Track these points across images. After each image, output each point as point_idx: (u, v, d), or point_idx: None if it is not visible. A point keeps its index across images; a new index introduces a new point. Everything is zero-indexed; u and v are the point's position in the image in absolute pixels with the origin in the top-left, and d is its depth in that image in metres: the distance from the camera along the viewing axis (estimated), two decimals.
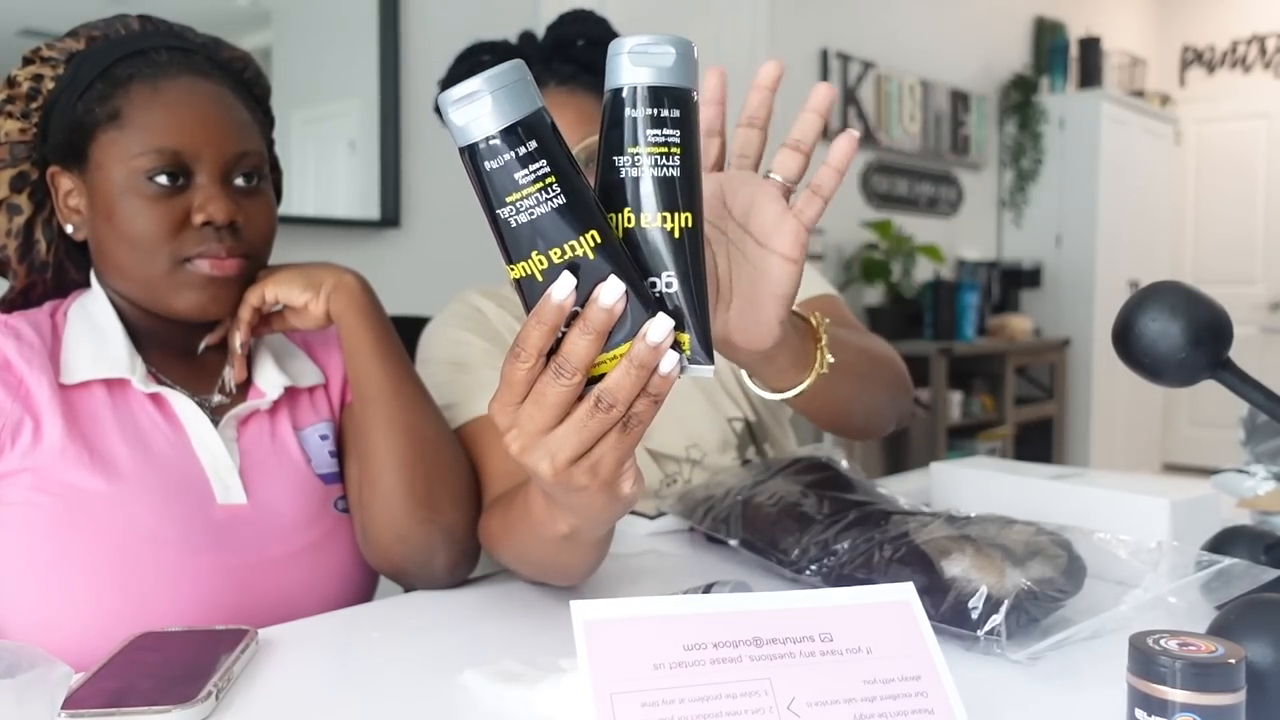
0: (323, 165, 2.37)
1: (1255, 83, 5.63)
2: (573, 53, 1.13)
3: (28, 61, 0.86)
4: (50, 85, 0.85)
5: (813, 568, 0.81)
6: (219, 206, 0.82)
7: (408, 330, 1.41)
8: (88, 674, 0.62)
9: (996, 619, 0.66)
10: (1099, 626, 0.69)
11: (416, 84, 2.49)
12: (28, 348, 0.81)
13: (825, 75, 3.73)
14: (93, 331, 0.85)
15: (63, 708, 0.56)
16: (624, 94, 0.52)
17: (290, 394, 0.92)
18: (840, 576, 0.78)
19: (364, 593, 0.93)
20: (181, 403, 0.85)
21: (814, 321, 0.76)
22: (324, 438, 0.93)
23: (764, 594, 0.48)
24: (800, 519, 0.85)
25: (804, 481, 0.90)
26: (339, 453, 0.94)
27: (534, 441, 0.54)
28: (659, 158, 0.52)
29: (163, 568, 0.78)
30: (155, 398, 0.85)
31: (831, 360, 0.75)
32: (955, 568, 0.70)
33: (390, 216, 2.41)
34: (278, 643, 0.72)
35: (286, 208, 2.70)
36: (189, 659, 0.64)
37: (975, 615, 0.67)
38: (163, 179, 0.82)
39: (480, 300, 1.13)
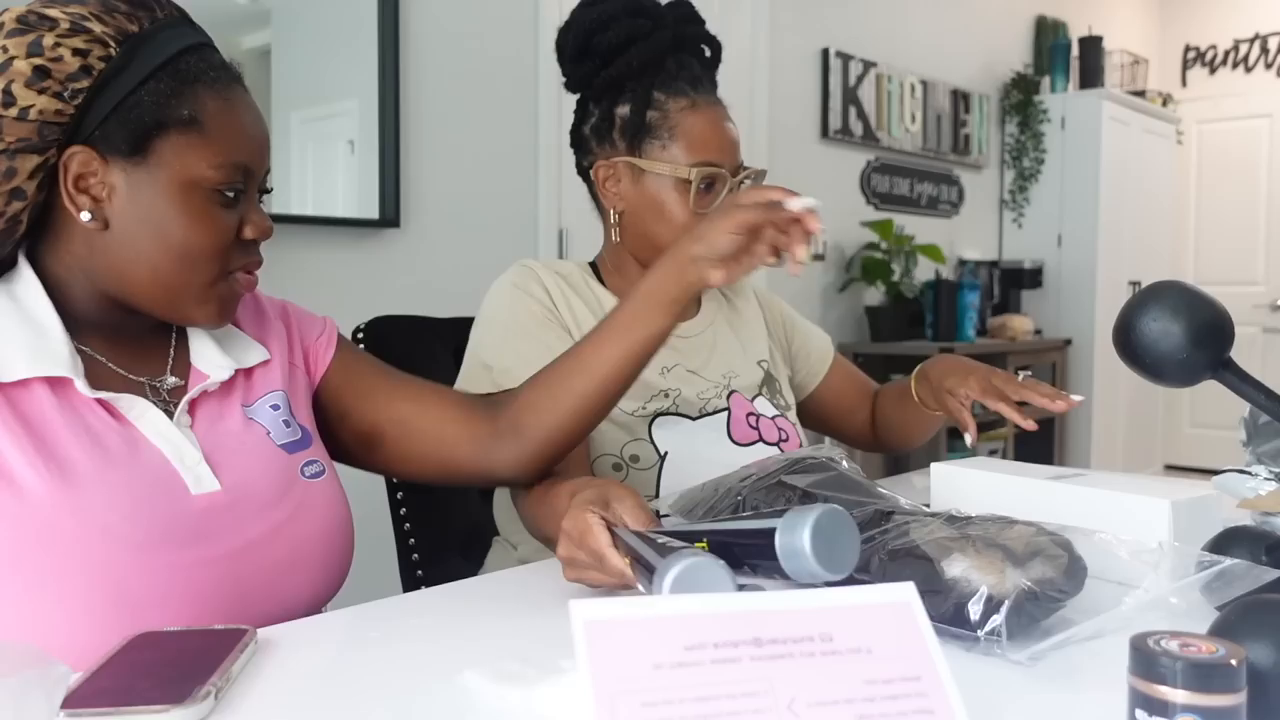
0: (322, 165, 2.37)
1: (1257, 82, 5.63)
2: (699, 53, 1.25)
3: (56, 28, 0.77)
4: (100, 65, 0.78)
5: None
6: (264, 221, 0.85)
7: (407, 330, 1.41)
8: (86, 673, 0.62)
9: (997, 619, 0.66)
10: (1100, 627, 0.68)
11: (416, 84, 2.49)
12: None
13: (825, 75, 3.73)
14: (25, 322, 0.79)
15: (61, 707, 0.56)
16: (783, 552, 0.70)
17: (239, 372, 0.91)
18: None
19: (344, 558, 0.92)
20: (126, 403, 0.82)
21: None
22: (275, 408, 0.91)
23: (764, 594, 0.48)
24: None
25: (805, 481, 0.90)
26: (299, 420, 0.93)
27: None
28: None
29: (151, 571, 0.75)
30: (100, 400, 0.81)
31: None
32: (955, 568, 0.70)
33: (390, 216, 2.41)
34: (277, 643, 0.72)
35: (286, 207, 2.70)
36: (187, 659, 0.64)
37: (976, 615, 0.67)
38: (230, 193, 0.82)
39: (539, 269, 1.22)
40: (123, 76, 0.78)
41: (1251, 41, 5.66)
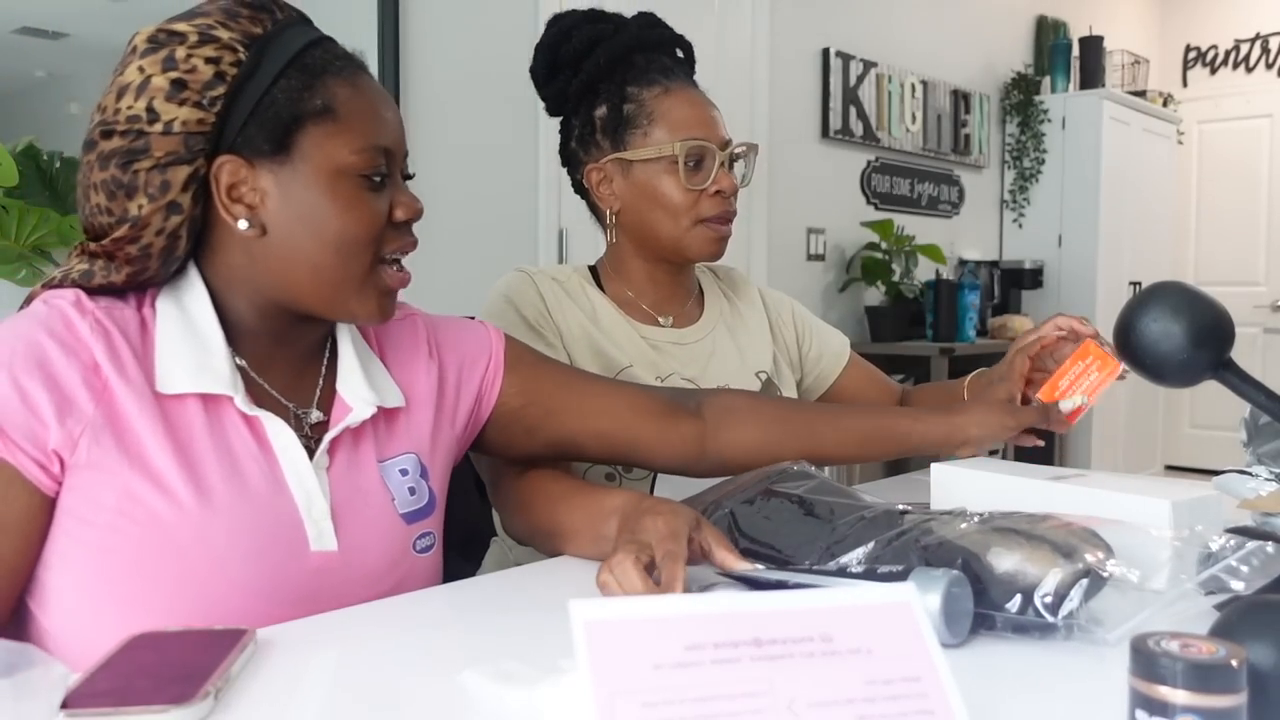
0: None
1: (1258, 82, 5.63)
2: (671, 52, 1.27)
3: (186, 40, 0.77)
4: (233, 70, 0.78)
5: (839, 564, 0.78)
6: (414, 202, 0.86)
7: None
8: (85, 674, 0.62)
9: (1073, 602, 0.67)
10: (1173, 599, 0.70)
11: (416, 84, 2.49)
12: (118, 349, 0.77)
13: (826, 74, 3.73)
14: (191, 335, 0.80)
15: (61, 707, 0.56)
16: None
17: (376, 416, 0.88)
18: (872, 574, 0.77)
19: None
20: (276, 427, 0.81)
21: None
22: (404, 473, 0.89)
23: (764, 594, 0.48)
24: (812, 521, 0.84)
25: (798, 489, 0.90)
26: (429, 483, 0.91)
27: None
28: None
29: (251, 619, 0.74)
30: (250, 418, 0.81)
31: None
32: (1007, 562, 0.70)
33: None
34: (277, 643, 0.72)
35: None
36: (187, 659, 0.64)
37: (1048, 603, 0.67)
38: (376, 177, 0.82)
39: (536, 276, 1.22)
40: (256, 78, 0.79)
41: (1252, 41, 5.66)
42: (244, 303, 0.84)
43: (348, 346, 0.90)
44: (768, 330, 1.36)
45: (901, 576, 0.68)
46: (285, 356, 0.87)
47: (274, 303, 0.84)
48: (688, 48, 1.29)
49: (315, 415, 0.86)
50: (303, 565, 0.79)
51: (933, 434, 1.03)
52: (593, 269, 1.29)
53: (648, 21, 1.25)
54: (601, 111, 1.22)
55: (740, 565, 0.78)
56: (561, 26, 1.23)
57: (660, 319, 1.26)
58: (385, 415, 0.90)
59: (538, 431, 0.99)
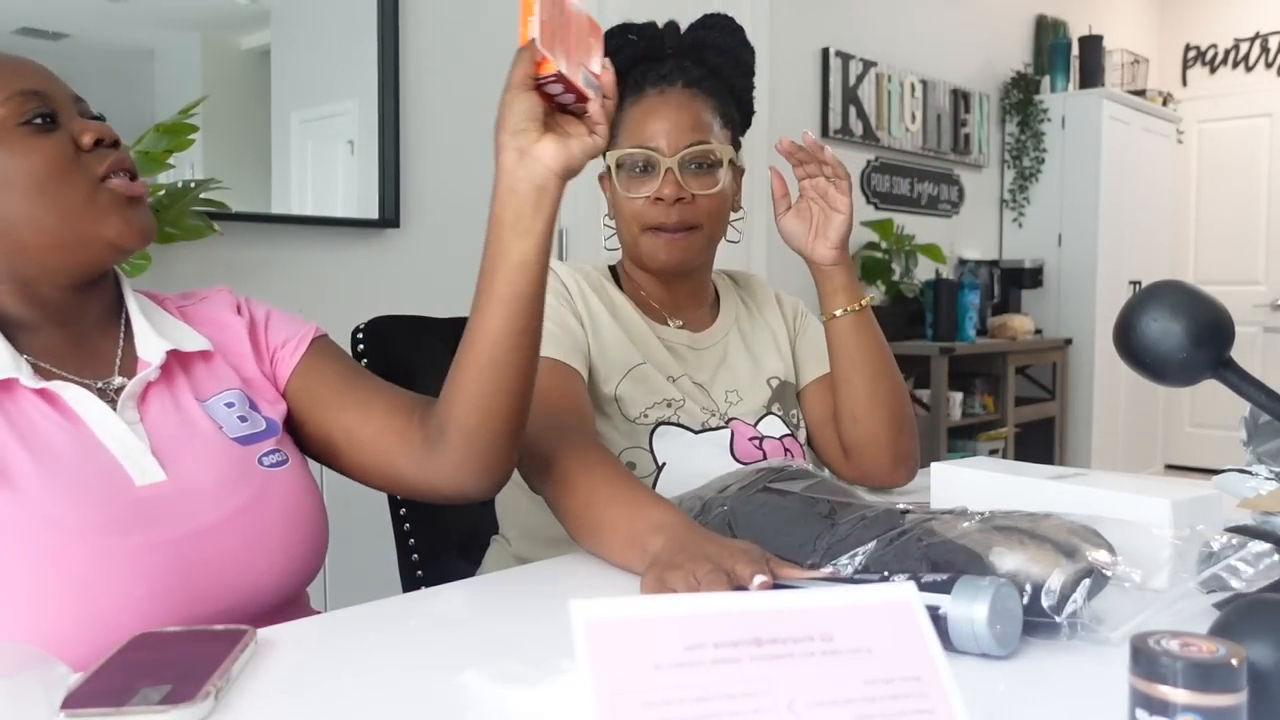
0: (322, 165, 2.37)
1: (1257, 81, 5.63)
2: (706, 56, 1.24)
3: None
4: None
5: (839, 563, 0.79)
6: (97, 126, 0.85)
7: (407, 330, 1.41)
8: (86, 674, 0.62)
9: (1076, 602, 0.67)
10: (1175, 597, 0.70)
11: (416, 84, 2.49)
12: None
13: (825, 74, 3.73)
14: None
15: (61, 708, 0.56)
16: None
17: (184, 363, 0.91)
18: (874, 573, 0.77)
19: (312, 546, 0.91)
20: (73, 393, 0.83)
21: (865, 300, 1.23)
22: (229, 405, 0.91)
23: (764, 594, 0.48)
24: (812, 520, 0.84)
25: (799, 486, 0.90)
26: (263, 414, 0.93)
27: None
28: None
29: (95, 555, 0.76)
30: (45, 394, 0.82)
31: (871, 300, 1.25)
32: (1009, 562, 0.70)
33: (389, 217, 2.41)
34: (277, 643, 0.72)
35: (286, 207, 2.69)
36: (187, 659, 0.64)
37: (1051, 602, 0.67)
38: (37, 119, 0.83)
39: (559, 267, 1.21)
40: None
41: (1252, 40, 5.66)
42: (4, 297, 0.85)
43: (135, 309, 0.92)
44: (786, 336, 1.36)
45: (946, 587, 0.66)
46: (73, 336, 0.88)
47: (28, 283, 0.85)
48: (711, 51, 1.25)
49: (118, 381, 0.87)
50: (131, 497, 0.80)
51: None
52: (612, 269, 1.30)
53: (662, 30, 1.25)
54: None
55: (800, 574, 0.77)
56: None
57: (671, 321, 1.26)
58: (200, 360, 0.92)
59: (305, 426, 0.98)
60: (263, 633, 0.72)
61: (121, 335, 0.91)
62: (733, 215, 1.28)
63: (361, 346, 1.34)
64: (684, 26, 1.29)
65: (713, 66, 1.24)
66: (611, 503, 0.91)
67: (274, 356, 0.99)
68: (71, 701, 0.57)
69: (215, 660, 0.63)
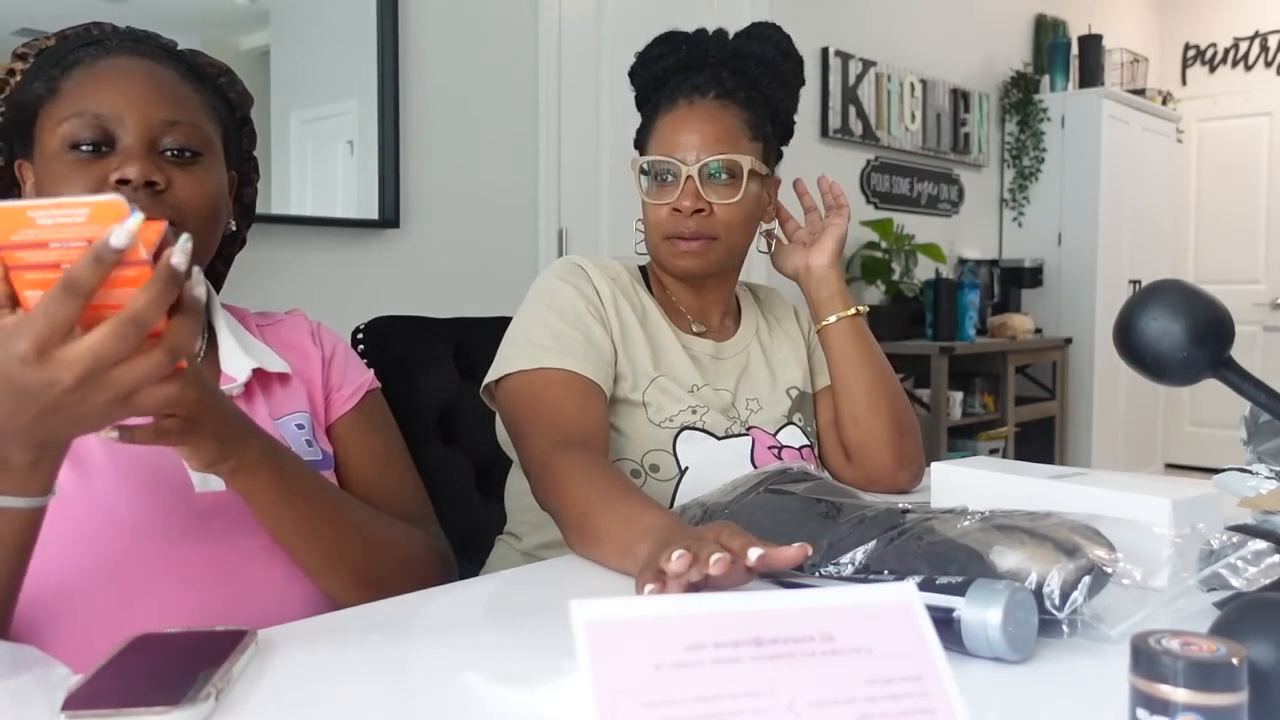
0: (321, 166, 2.37)
1: (1257, 80, 5.63)
2: (745, 66, 1.24)
3: (15, 58, 0.87)
4: (17, 79, 0.86)
5: (839, 563, 0.78)
6: (131, 163, 0.82)
7: (407, 331, 1.41)
8: (86, 675, 0.62)
9: (1077, 600, 0.67)
10: (1175, 595, 0.70)
11: (416, 84, 2.49)
12: None
13: (825, 74, 3.73)
14: None
15: (62, 708, 0.56)
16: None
17: (263, 382, 0.92)
18: (875, 572, 0.77)
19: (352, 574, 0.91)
20: None
21: (862, 307, 1.28)
22: (300, 427, 0.93)
23: (764, 594, 0.48)
24: (812, 519, 0.84)
25: (798, 489, 0.90)
26: (320, 444, 0.94)
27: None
28: None
29: (145, 559, 0.77)
30: None
31: (864, 309, 1.29)
32: (1009, 560, 0.70)
33: (389, 217, 2.41)
34: (278, 643, 0.72)
35: (285, 208, 2.68)
36: (188, 659, 0.64)
37: (1055, 600, 0.67)
38: (86, 146, 0.82)
39: (590, 269, 1.21)
40: (25, 81, 0.85)
41: (1251, 40, 5.66)
42: None
43: (222, 325, 0.93)
44: (804, 349, 1.36)
45: (961, 589, 0.66)
46: None
47: None
48: (750, 61, 1.25)
49: None
50: (189, 504, 0.82)
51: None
52: (643, 269, 1.29)
53: (707, 39, 1.26)
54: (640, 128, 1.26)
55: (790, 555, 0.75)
56: (646, 50, 1.27)
57: (695, 328, 1.27)
58: (278, 381, 0.94)
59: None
60: (263, 633, 0.72)
61: (204, 345, 0.92)
62: (764, 225, 1.28)
63: (361, 347, 1.34)
64: (682, 26, 1.29)
65: (751, 77, 1.23)
66: (606, 515, 0.91)
67: (329, 395, 1.00)
68: (72, 702, 0.57)
69: (216, 661, 0.63)
